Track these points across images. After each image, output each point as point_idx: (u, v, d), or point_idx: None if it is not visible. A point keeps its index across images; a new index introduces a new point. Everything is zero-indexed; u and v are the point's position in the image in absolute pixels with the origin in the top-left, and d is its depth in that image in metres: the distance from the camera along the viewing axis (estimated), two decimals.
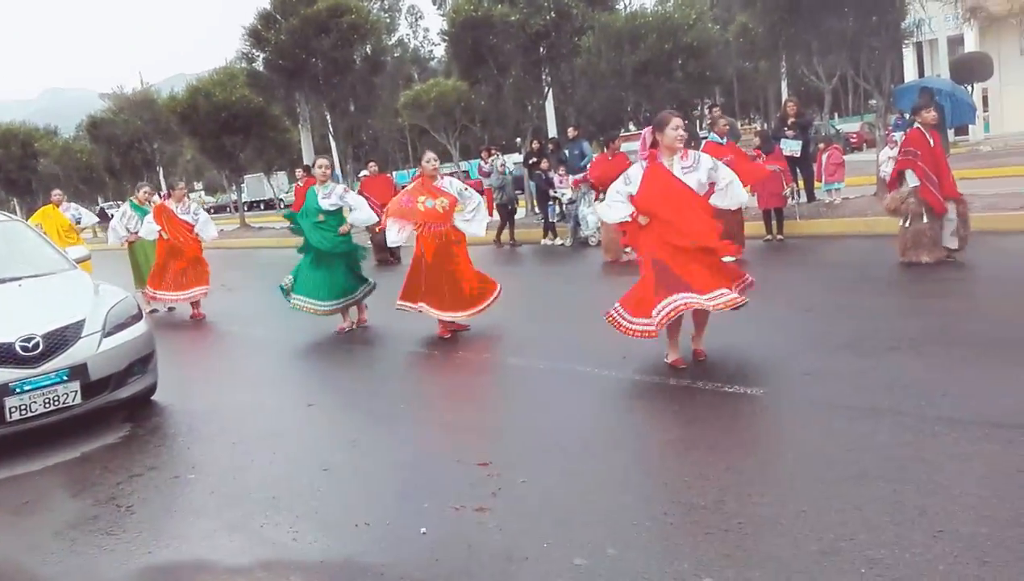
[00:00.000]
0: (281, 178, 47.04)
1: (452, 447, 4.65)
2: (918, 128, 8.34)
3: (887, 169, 10.97)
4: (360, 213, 8.10)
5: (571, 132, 16.93)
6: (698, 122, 32.38)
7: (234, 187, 29.50)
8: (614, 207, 5.75)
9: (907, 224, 8.34)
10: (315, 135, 27.09)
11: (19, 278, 6.05)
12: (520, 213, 16.40)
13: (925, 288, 7.53)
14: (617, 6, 20.52)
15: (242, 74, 23.14)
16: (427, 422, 5.34)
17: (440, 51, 46.84)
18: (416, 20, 65.74)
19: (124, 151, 31.80)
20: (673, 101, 17.58)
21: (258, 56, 21.88)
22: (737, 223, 9.53)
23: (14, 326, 5.26)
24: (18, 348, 5.15)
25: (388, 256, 13.61)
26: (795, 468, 3.81)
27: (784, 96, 29.38)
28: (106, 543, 3.84)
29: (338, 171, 22.25)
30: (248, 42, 21.69)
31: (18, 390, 5.07)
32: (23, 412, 5.10)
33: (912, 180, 8.24)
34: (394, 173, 34.35)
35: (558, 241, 14.31)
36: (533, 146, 16.31)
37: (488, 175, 17.42)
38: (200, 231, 10.40)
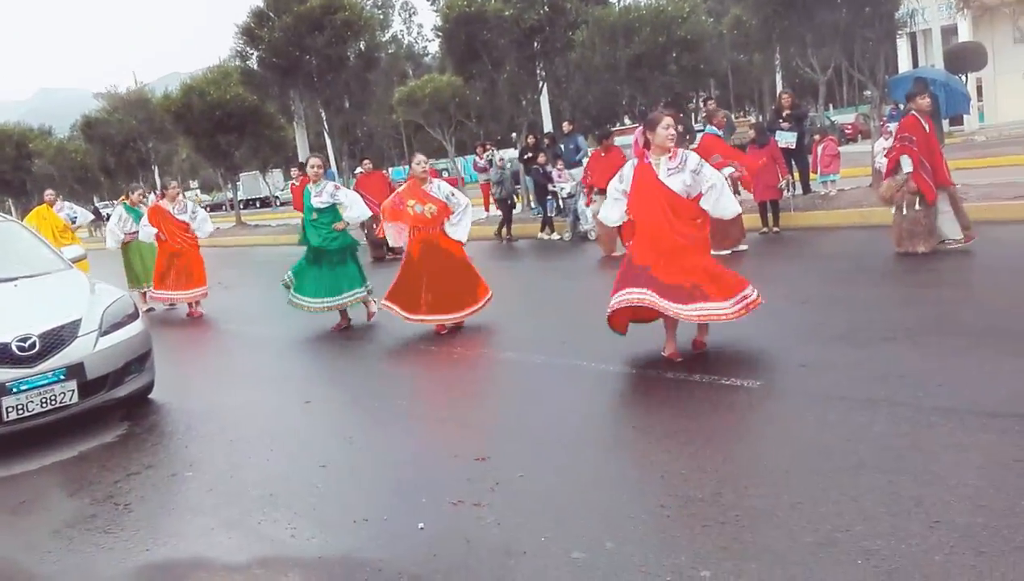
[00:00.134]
0: (277, 176, 46.98)
1: (449, 442, 4.66)
2: (913, 114, 8.34)
3: (882, 160, 10.98)
4: (353, 210, 8.09)
5: (566, 126, 16.94)
6: (693, 115, 32.38)
7: (229, 185, 29.45)
8: (613, 207, 5.79)
9: (903, 213, 8.35)
10: (310, 132, 27.03)
11: (15, 278, 6.03)
12: (516, 208, 16.40)
13: (920, 278, 7.54)
14: (611, 0, 20.49)
15: (236, 72, 23.10)
16: (424, 418, 5.34)
17: (434, 47, 46.69)
18: (410, 16, 65.46)
19: (119, 151, 31.74)
20: (668, 94, 17.59)
21: (252, 54, 21.82)
22: (731, 220, 9.47)
23: (10, 326, 5.25)
24: (14, 348, 5.14)
25: (384, 254, 13.62)
26: (792, 460, 3.81)
27: (779, 88, 29.36)
28: (104, 541, 3.84)
29: (333, 168, 22.21)
30: (242, 40, 21.62)
31: (15, 390, 5.07)
32: (20, 412, 5.09)
33: (907, 165, 8.22)
34: (389, 170, 34.26)
35: (555, 236, 14.31)
36: (528, 141, 16.30)
37: (484, 170, 17.40)
38: (197, 229, 10.41)
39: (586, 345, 6.16)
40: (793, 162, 12.67)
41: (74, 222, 13.10)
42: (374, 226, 12.25)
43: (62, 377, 5.24)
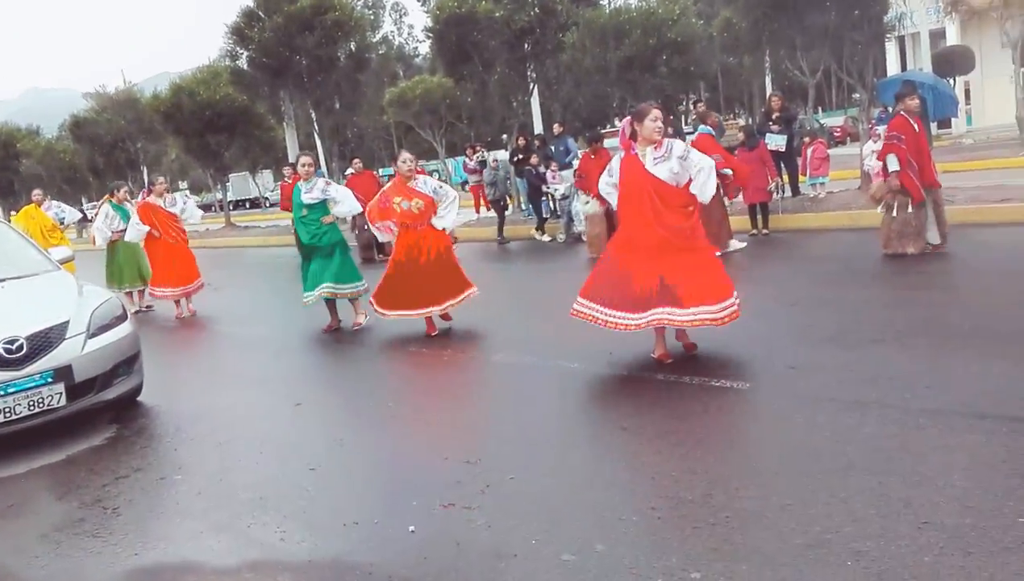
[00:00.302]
0: (266, 176, 46.84)
1: (439, 445, 4.65)
2: (902, 115, 8.38)
3: (871, 162, 11.03)
4: (344, 205, 8.08)
5: (556, 128, 16.94)
6: (683, 117, 32.46)
7: (219, 186, 29.34)
8: (611, 196, 5.83)
9: (893, 213, 8.38)
10: (300, 133, 26.98)
11: (2, 280, 5.99)
12: (508, 209, 16.41)
13: (909, 280, 7.58)
14: (601, 2, 20.53)
15: (226, 72, 23.01)
16: (414, 420, 5.33)
17: (425, 48, 46.67)
18: (400, 17, 65.52)
19: (107, 151, 31.62)
20: (658, 96, 17.61)
21: (242, 54, 21.76)
22: (716, 222, 9.50)
23: None
24: (1, 350, 5.10)
25: (374, 255, 13.60)
26: (781, 461, 3.82)
27: (768, 91, 29.48)
28: (92, 545, 3.81)
29: (323, 169, 22.17)
30: (232, 40, 21.56)
31: (2, 392, 5.03)
32: (7, 415, 5.05)
33: (892, 164, 8.24)
34: (380, 170, 34.24)
35: (546, 237, 14.32)
36: (519, 142, 16.31)
37: (474, 172, 17.39)
38: (189, 215, 10.60)
39: (577, 347, 6.15)
40: (782, 164, 12.72)
41: (63, 222, 13.03)
42: (365, 227, 12.23)
43: (50, 380, 5.20)
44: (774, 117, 12.57)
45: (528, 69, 18.60)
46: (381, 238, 7.83)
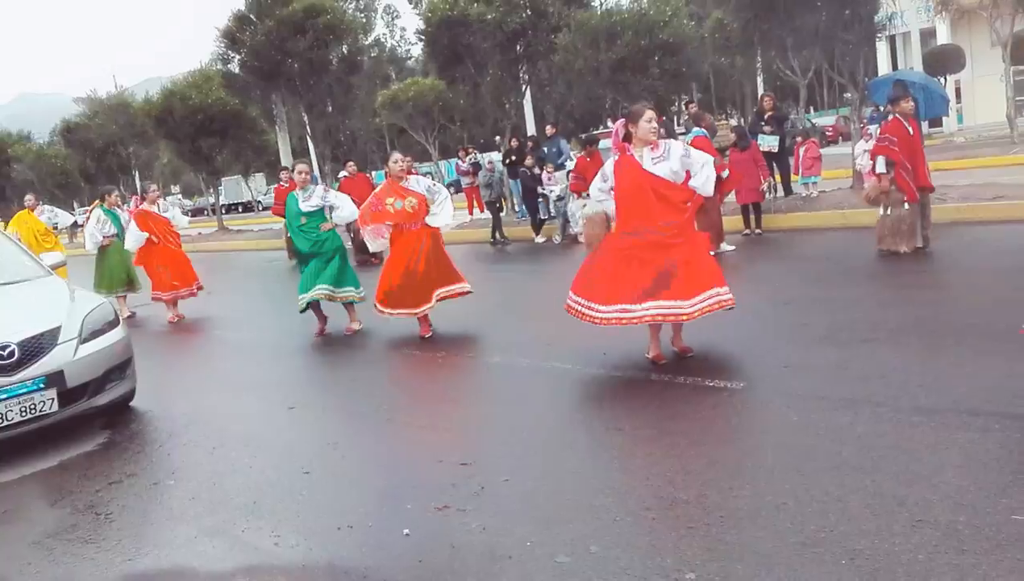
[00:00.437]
0: (259, 180, 46.74)
1: (434, 447, 4.64)
2: (897, 118, 8.41)
3: (863, 162, 11.07)
4: (343, 211, 8.07)
5: (549, 130, 16.96)
6: (675, 119, 32.52)
7: (211, 190, 29.26)
8: (605, 204, 5.82)
9: (888, 212, 8.40)
10: (292, 136, 26.93)
11: None
12: (502, 211, 16.42)
13: (901, 279, 7.60)
14: (593, 3, 20.51)
15: (218, 76, 22.98)
16: (408, 423, 5.32)
17: (417, 50, 46.72)
18: (392, 19, 65.35)
19: (99, 156, 31.53)
20: (650, 98, 17.61)
21: (233, 58, 21.73)
22: (710, 224, 9.54)
23: None
24: None
25: (369, 257, 13.57)
26: (776, 461, 3.83)
27: (760, 91, 29.56)
28: (85, 552, 3.79)
29: (316, 172, 22.14)
30: (223, 44, 21.52)
31: None
32: None
33: (880, 166, 8.26)
34: (373, 173, 34.17)
35: (540, 238, 14.33)
36: (512, 144, 16.31)
37: (467, 173, 17.39)
38: (174, 219, 10.71)
39: (571, 349, 6.16)
40: (775, 164, 12.75)
41: (56, 227, 13.02)
42: (360, 230, 12.22)
43: (42, 385, 5.18)
44: (766, 117, 12.60)
45: (520, 71, 18.59)
46: (372, 246, 7.72)
